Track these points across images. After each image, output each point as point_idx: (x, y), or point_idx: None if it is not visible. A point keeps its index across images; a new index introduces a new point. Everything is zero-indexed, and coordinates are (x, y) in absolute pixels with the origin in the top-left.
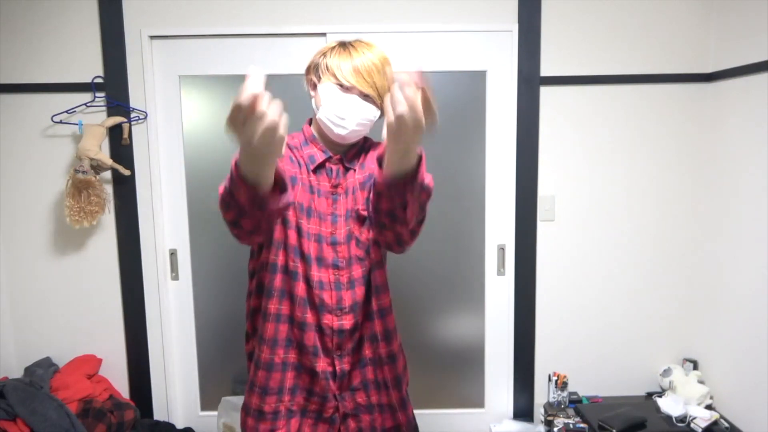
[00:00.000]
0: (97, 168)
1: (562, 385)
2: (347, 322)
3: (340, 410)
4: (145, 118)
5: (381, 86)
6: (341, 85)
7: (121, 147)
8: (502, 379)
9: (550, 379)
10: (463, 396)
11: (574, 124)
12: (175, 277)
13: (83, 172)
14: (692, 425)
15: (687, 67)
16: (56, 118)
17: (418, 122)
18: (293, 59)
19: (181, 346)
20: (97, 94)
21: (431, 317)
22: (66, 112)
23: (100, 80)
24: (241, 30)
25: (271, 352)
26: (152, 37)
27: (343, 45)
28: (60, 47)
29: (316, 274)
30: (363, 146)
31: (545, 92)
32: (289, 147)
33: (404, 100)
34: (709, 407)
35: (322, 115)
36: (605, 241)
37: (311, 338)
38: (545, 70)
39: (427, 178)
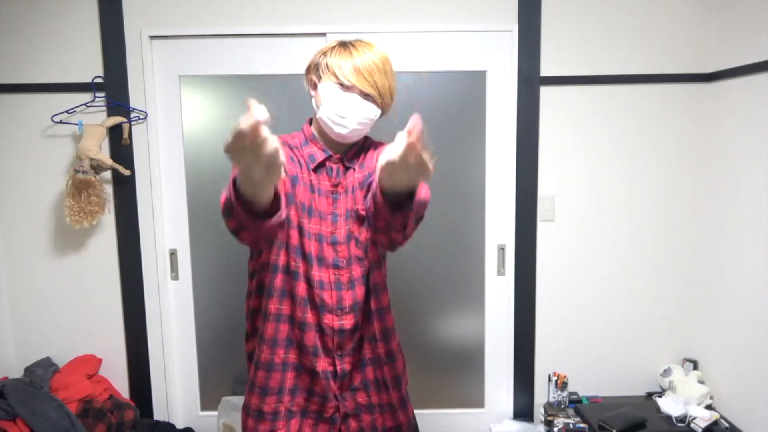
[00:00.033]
0: (97, 168)
1: (562, 385)
2: (347, 321)
3: (341, 410)
4: (145, 118)
5: (381, 85)
6: (342, 85)
7: (121, 147)
8: (502, 379)
9: (550, 379)
10: (463, 396)
11: (574, 124)
12: (175, 277)
13: (83, 172)
14: (692, 425)
15: (687, 67)
16: (56, 118)
17: (421, 167)
18: (293, 59)
19: (181, 346)
20: (97, 94)
21: (431, 317)
22: (66, 112)
23: (100, 80)
24: (241, 30)
25: (271, 352)
26: (152, 37)
27: (344, 44)
28: (60, 47)
29: (317, 273)
30: (363, 145)
31: (545, 92)
32: (290, 146)
33: (411, 146)
34: (709, 407)
35: (322, 115)
36: (605, 241)
37: (311, 338)
38: (545, 70)
39: (423, 191)
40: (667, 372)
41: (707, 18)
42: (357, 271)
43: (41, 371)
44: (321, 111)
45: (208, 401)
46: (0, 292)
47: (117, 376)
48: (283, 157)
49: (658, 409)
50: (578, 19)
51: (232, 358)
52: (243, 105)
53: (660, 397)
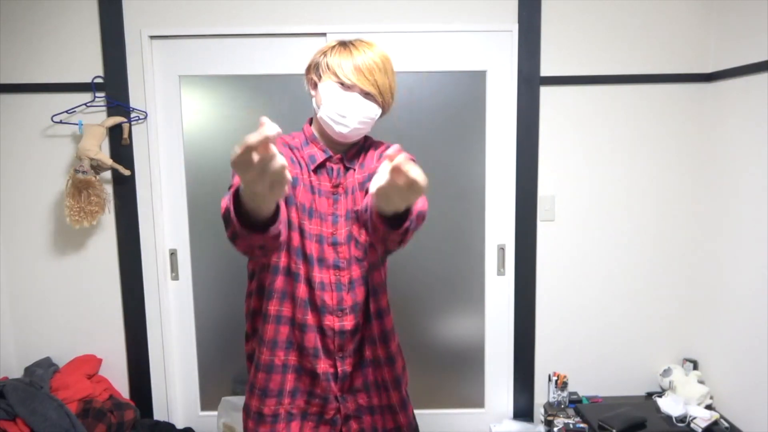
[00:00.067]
0: (97, 168)
1: (562, 385)
2: (348, 323)
3: (342, 412)
4: (145, 118)
5: (382, 84)
6: (342, 84)
7: (121, 147)
8: (502, 379)
9: (550, 379)
10: (463, 396)
11: (574, 124)
12: (175, 277)
13: (83, 172)
14: (692, 425)
15: (687, 67)
16: (56, 118)
17: (413, 186)
18: (293, 59)
19: (181, 346)
20: (97, 94)
21: (431, 317)
22: (66, 112)
23: (100, 80)
24: (241, 30)
25: (270, 353)
26: (152, 37)
27: (344, 44)
28: (60, 47)
29: (318, 275)
30: (363, 145)
31: (545, 92)
32: (290, 147)
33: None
34: (709, 407)
35: (323, 114)
36: (605, 241)
37: (312, 340)
38: (545, 70)
39: (420, 202)
40: (667, 372)
41: (707, 18)
42: (357, 272)
43: (41, 371)
44: (321, 110)
45: (208, 401)
46: (0, 292)
47: (117, 376)
48: (289, 175)
49: (658, 409)
50: (578, 19)
51: (232, 358)
52: (243, 105)
53: (660, 397)
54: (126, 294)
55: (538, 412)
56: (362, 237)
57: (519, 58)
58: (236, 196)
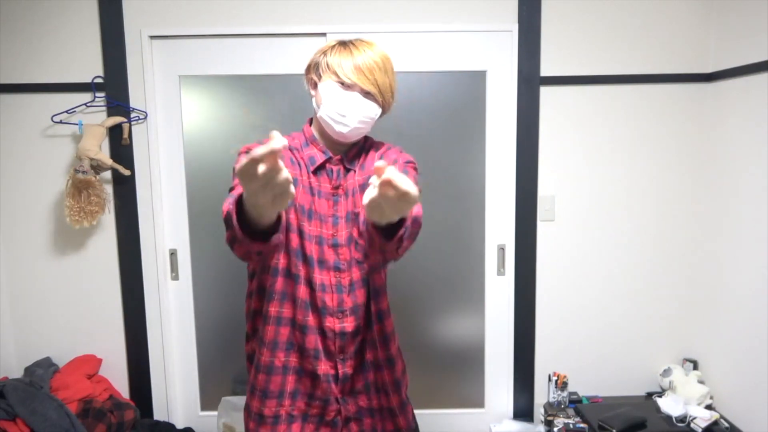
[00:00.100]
0: (97, 168)
1: (562, 385)
2: (349, 324)
3: (343, 413)
4: (145, 118)
5: (382, 84)
6: (342, 83)
7: (121, 147)
8: (502, 379)
9: (550, 379)
10: (463, 396)
11: (574, 124)
12: (175, 277)
13: (83, 172)
14: (692, 425)
15: (687, 67)
16: (56, 118)
17: (405, 197)
18: (293, 59)
19: (181, 346)
20: (97, 94)
21: (431, 317)
22: (66, 112)
23: (100, 80)
24: (241, 30)
25: (271, 355)
26: (152, 37)
27: (344, 44)
28: (60, 47)
29: (318, 276)
30: (363, 146)
31: (545, 92)
32: (290, 147)
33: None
34: (709, 407)
35: (323, 113)
36: (605, 241)
37: (313, 341)
38: (545, 70)
39: (415, 209)
40: (667, 372)
41: (707, 18)
42: (357, 274)
43: (41, 371)
44: (321, 110)
45: (208, 401)
46: (0, 292)
47: (117, 376)
48: (293, 189)
49: (658, 409)
50: (578, 19)
51: (232, 358)
52: (243, 105)
53: (660, 397)
54: (126, 294)
55: (538, 412)
56: (365, 235)
57: (519, 58)
58: (239, 202)
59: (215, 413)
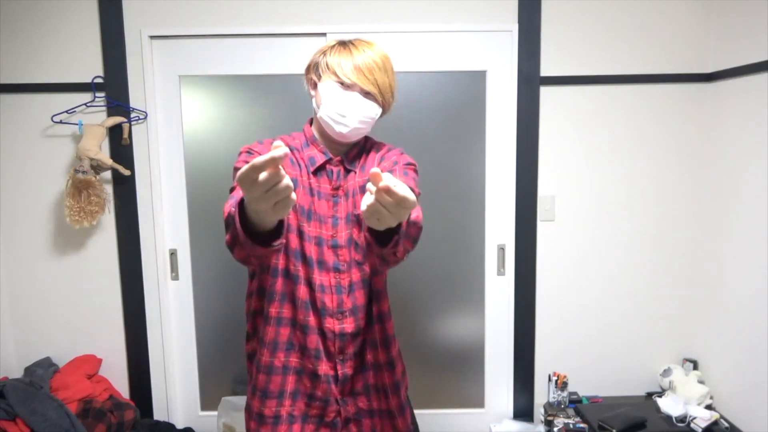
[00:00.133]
0: (97, 168)
1: (562, 385)
2: (348, 325)
3: (342, 414)
4: (145, 118)
5: (382, 83)
6: (342, 83)
7: (121, 147)
8: (502, 379)
9: (550, 379)
10: (463, 396)
11: (574, 124)
12: (175, 277)
13: (83, 172)
14: (692, 425)
15: (687, 67)
16: (56, 118)
17: (403, 203)
18: (293, 59)
19: (181, 346)
20: (97, 94)
21: (431, 317)
22: (66, 112)
23: (100, 80)
24: (241, 30)
25: (271, 355)
26: (152, 37)
27: (343, 43)
28: (60, 47)
29: (318, 277)
30: (364, 146)
31: (545, 92)
32: (290, 148)
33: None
34: (709, 407)
35: (322, 114)
36: (605, 241)
37: (314, 341)
38: (545, 70)
39: (414, 214)
40: (667, 372)
41: (707, 18)
42: (357, 275)
43: (41, 371)
44: (321, 110)
45: (208, 401)
46: (0, 292)
47: (117, 376)
48: (294, 196)
49: (658, 409)
50: (578, 19)
51: (232, 358)
52: (243, 105)
53: (660, 397)
54: (126, 294)
55: (538, 412)
56: (362, 240)
57: (519, 58)
58: (241, 204)
59: (215, 413)
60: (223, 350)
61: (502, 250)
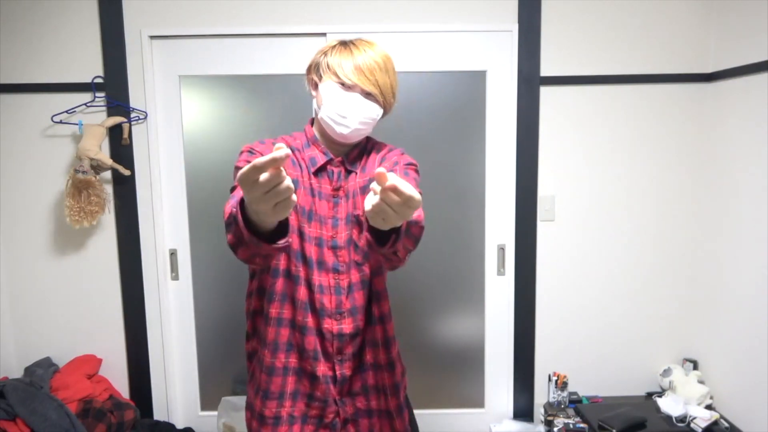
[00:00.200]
0: (97, 168)
1: (562, 385)
2: (347, 326)
3: (341, 415)
4: (145, 118)
5: (383, 84)
6: (343, 84)
7: (121, 147)
8: (502, 379)
9: (550, 379)
10: (463, 396)
11: (574, 124)
12: (175, 277)
13: (83, 172)
14: (692, 425)
15: (687, 67)
16: (56, 118)
17: (409, 202)
18: (293, 59)
19: (181, 346)
20: (97, 94)
21: (431, 317)
22: (66, 112)
23: (100, 80)
24: (241, 30)
25: (272, 356)
26: (152, 37)
27: (344, 44)
28: (60, 47)
29: (317, 278)
30: (365, 147)
31: (545, 92)
32: (291, 148)
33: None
34: (709, 407)
35: (323, 115)
36: (605, 241)
37: (312, 342)
38: (545, 70)
39: (415, 214)
40: (667, 372)
41: (707, 18)
42: (356, 276)
43: (41, 371)
44: (322, 111)
45: (208, 401)
46: (0, 292)
47: (117, 376)
48: (295, 197)
49: (658, 409)
50: (578, 19)
51: (232, 358)
52: (243, 105)
53: (660, 397)
54: (126, 294)
55: (538, 412)
56: (362, 241)
57: (519, 58)
58: (243, 205)
59: (215, 413)
60: (223, 350)
61: (502, 250)
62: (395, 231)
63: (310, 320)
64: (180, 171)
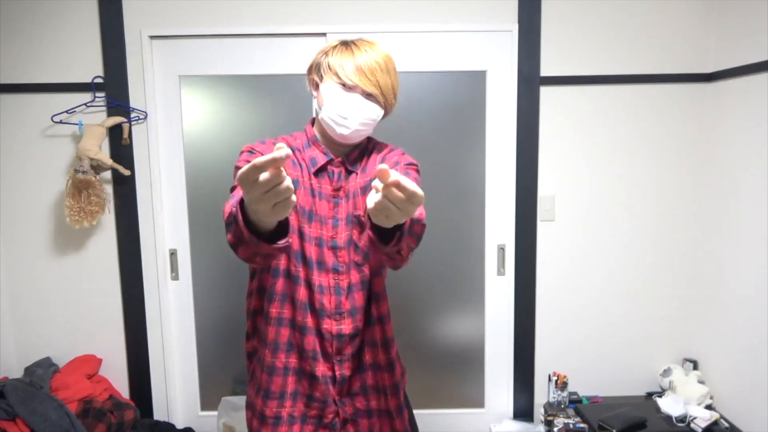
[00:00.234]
0: (97, 168)
1: (562, 385)
2: (346, 327)
3: (340, 415)
4: (145, 118)
5: (384, 85)
6: (344, 85)
7: (121, 147)
8: (502, 379)
9: (550, 379)
10: (463, 396)
11: (574, 124)
12: (175, 277)
13: (83, 172)
14: (692, 425)
15: (687, 67)
16: (56, 118)
17: (413, 198)
18: (293, 59)
19: (181, 346)
20: (97, 94)
21: (431, 317)
22: (66, 112)
23: (100, 80)
24: (241, 30)
25: (272, 356)
26: (152, 37)
27: (346, 44)
28: (60, 47)
29: (317, 278)
30: (366, 147)
31: (545, 92)
32: (291, 148)
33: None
34: (709, 407)
35: (324, 115)
36: (605, 241)
37: (311, 342)
38: (545, 70)
39: (417, 212)
40: (667, 372)
41: (707, 18)
42: (356, 276)
43: (41, 371)
44: (323, 112)
45: (208, 401)
46: (0, 292)
47: (117, 376)
48: (294, 198)
49: (658, 409)
50: (578, 19)
51: (232, 358)
52: (243, 105)
53: (660, 397)
54: (126, 294)
55: (538, 412)
56: (362, 242)
57: (519, 58)
58: (243, 204)
59: (215, 413)
60: (223, 350)
61: (502, 250)
62: (399, 228)
63: (309, 320)
64: (180, 171)
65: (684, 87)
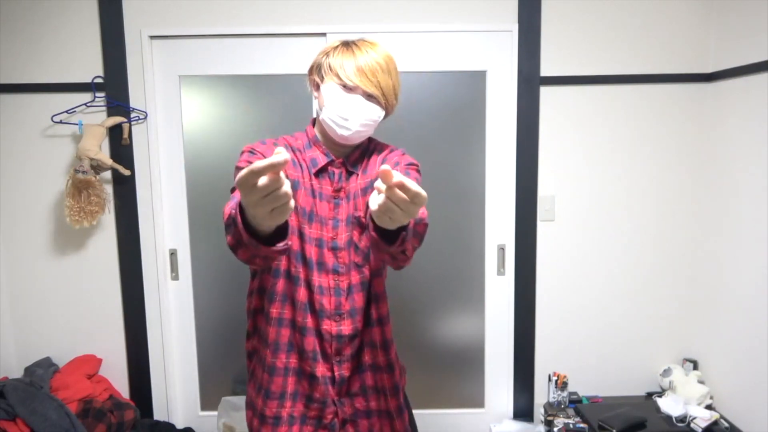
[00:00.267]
0: (97, 168)
1: (562, 385)
2: (346, 327)
3: (339, 416)
4: (145, 118)
5: (385, 86)
6: (344, 85)
7: (121, 147)
8: (502, 379)
9: (550, 379)
10: (463, 396)
11: (574, 124)
12: (175, 277)
13: (83, 172)
14: (692, 425)
15: (687, 67)
16: (56, 118)
17: (416, 198)
18: (293, 59)
19: (181, 346)
20: (97, 94)
21: (431, 317)
22: (66, 112)
23: (100, 80)
24: (241, 30)
25: (273, 356)
26: (152, 37)
27: (347, 44)
28: (60, 47)
29: (317, 279)
30: (367, 148)
31: (545, 92)
32: (292, 149)
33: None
34: (709, 407)
35: (325, 116)
36: (605, 241)
37: (311, 343)
38: (545, 70)
39: (420, 212)
40: (667, 372)
41: (707, 18)
42: (356, 277)
43: (41, 371)
44: (324, 112)
45: (208, 401)
46: (0, 292)
47: (117, 376)
48: (293, 203)
49: (658, 409)
50: (578, 19)
51: (232, 358)
52: (243, 105)
53: (660, 397)
54: (126, 294)
55: (538, 412)
56: (362, 243)
57: (519, 58)
58: (242, 206)
59: (215, 413)
60: (223, 350)
61: (502, 250)
62: (403, 229)
63: (309, 321)
64: (180, 171)
65: (684, 87)
